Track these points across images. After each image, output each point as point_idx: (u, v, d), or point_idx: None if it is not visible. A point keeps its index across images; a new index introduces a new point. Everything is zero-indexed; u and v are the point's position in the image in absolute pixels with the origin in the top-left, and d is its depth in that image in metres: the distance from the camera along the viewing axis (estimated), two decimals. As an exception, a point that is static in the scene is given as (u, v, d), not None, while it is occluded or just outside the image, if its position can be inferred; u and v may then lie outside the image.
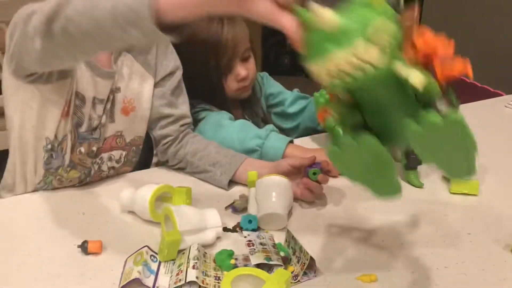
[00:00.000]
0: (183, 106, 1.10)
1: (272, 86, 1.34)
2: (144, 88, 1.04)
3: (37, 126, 0.92)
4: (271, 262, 0.74)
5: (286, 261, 0.76)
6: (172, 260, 0.76)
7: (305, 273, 0.73)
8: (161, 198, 0.89)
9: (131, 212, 0.90)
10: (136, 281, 0.70)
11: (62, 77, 0.88)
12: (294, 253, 0.77)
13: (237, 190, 0.99)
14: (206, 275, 0.71)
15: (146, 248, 0.77)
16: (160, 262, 0.76)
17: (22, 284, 0.74)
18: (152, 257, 0.76)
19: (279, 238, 0.83)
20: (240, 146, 1.07)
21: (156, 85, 1.06)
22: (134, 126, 1.05)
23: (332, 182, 0.97)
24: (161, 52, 1.06)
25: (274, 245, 0.79)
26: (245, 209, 0.91)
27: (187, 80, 1.11)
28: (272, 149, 1.06)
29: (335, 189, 0.98)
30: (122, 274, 0.74)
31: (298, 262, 0.75)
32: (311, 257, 0.72)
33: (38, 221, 0.89)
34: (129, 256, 0.76)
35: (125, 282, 0.70)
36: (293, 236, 0.78)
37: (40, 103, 0.90)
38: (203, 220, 0.81)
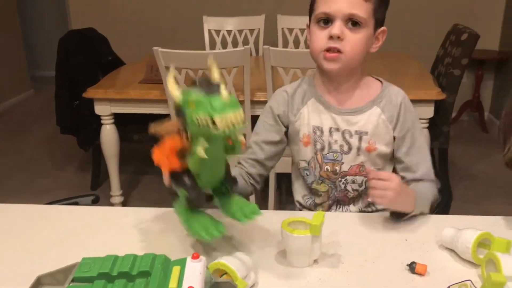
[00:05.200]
0: None
1: None
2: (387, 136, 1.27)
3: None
4: None
5: None
6: (491, 299, 0.87)
7: None
8: (479, 243, 0.99)
9: (447, 249, 1.03)
10: (462, 306, 0.83)
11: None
12: None
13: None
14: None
15: (469, 281, 0.89)
16: (481, 297, 0.87)
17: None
18: (473, 291, 0.88)
19: None
20: None
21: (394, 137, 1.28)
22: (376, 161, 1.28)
23: None
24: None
25: None
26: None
27: None
28: None
29: None
30: (447, 298, 0.88)
31: None
32: None
33: (369, 239, 1.11)
34: (452, 285, 0.90)
35: (454, 304, 0.84)
36: None
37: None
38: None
